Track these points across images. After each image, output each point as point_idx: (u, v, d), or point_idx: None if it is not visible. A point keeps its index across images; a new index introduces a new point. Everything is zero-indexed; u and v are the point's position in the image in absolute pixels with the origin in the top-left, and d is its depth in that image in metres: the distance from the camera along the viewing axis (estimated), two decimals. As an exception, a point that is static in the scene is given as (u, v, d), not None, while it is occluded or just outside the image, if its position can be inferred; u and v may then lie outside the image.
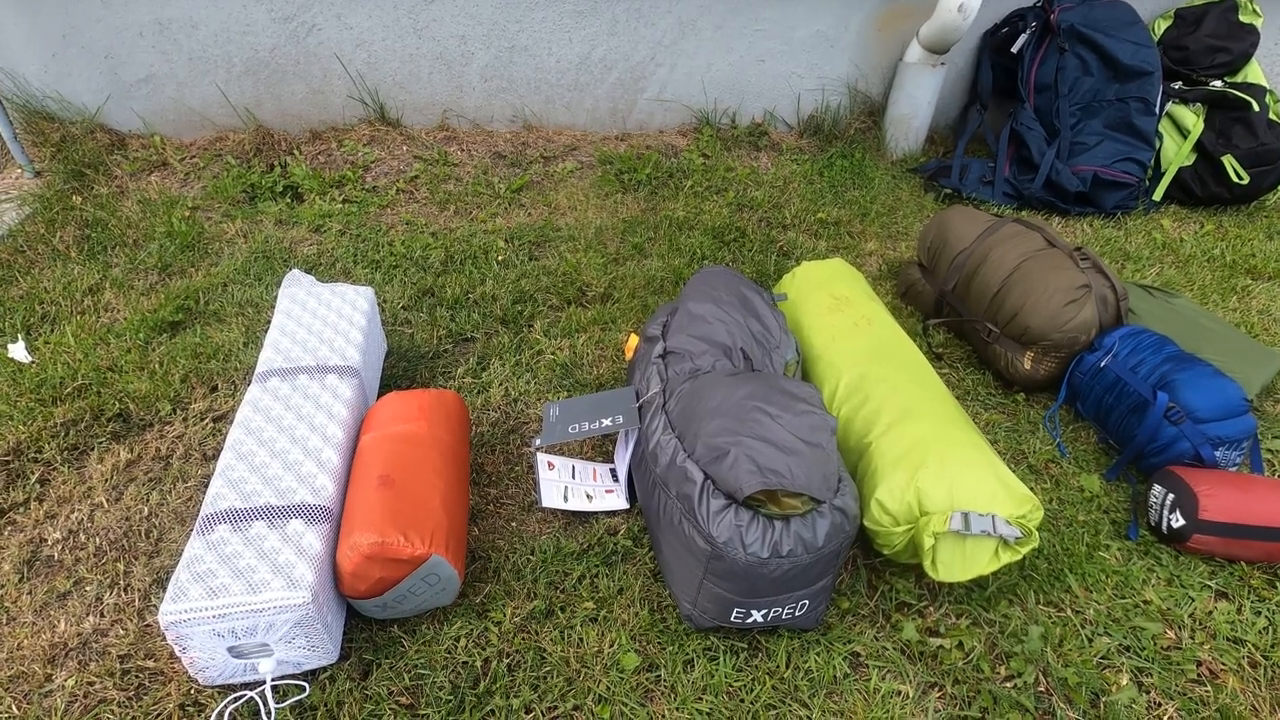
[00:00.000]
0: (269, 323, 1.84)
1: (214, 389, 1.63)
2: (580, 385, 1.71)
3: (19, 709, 1.05)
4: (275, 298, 1.93)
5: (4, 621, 1.15)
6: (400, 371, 1.72)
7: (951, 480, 1.20)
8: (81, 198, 2.34)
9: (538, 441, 1.32)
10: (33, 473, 1.40)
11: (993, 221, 1.90)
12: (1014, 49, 2.76)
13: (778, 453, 1.09)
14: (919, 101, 2.86)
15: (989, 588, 1.28)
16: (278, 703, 1.05)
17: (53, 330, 1.78)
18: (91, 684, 1.08)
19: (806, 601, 1.13)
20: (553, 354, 1.81)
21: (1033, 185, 2.62)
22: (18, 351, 1.69)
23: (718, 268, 1.58)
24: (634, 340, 1.77)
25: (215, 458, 1.46)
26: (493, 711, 1.07)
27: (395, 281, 2.03)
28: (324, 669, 1.10)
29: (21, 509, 1.34)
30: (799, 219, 2.54)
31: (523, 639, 1.16)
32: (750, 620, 1.12)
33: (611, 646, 1.15)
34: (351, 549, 1.05)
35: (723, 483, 1.08)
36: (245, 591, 0.98)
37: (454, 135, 2.79)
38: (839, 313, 1.64)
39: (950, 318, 1.91)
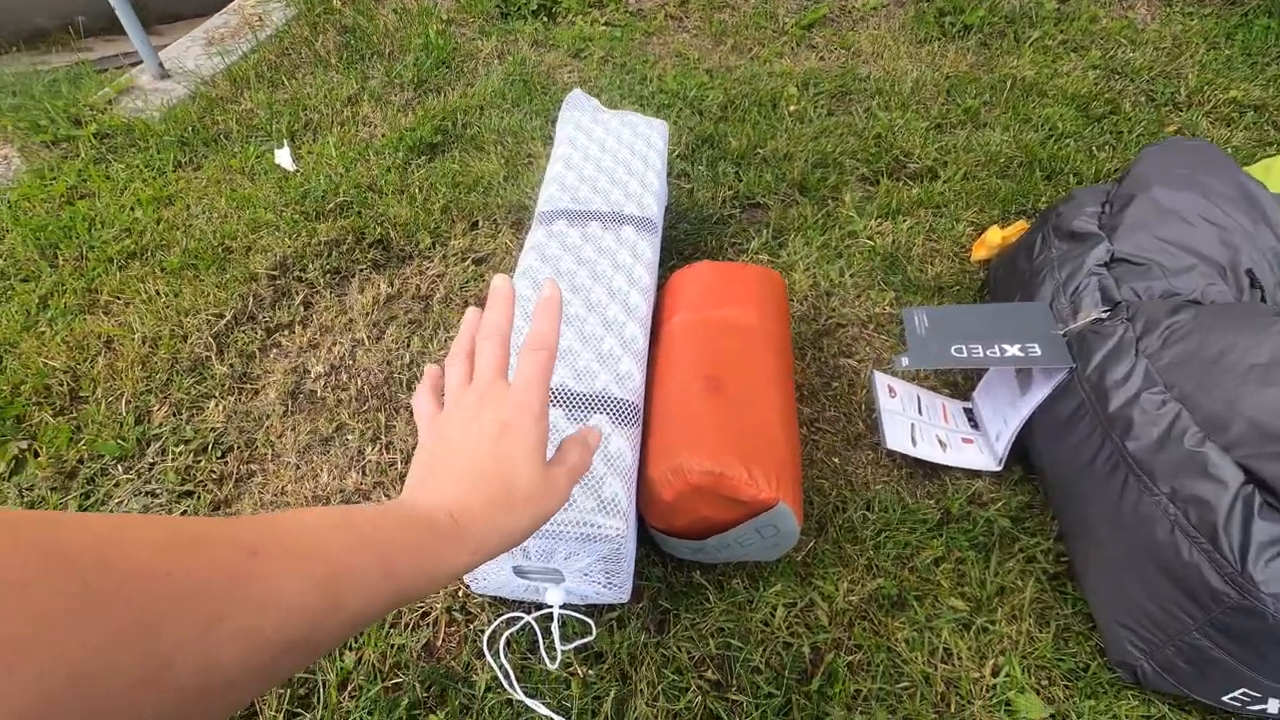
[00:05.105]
0: (529, 155, 1.58)
1: (474, 225, 1.40)
2: (914, 286, 1.29)
3: (282, 563, 0.93)
4: (535, 128, 1.65)
5: (270, 456, 1.04)
6: (681, 234, 1.39)
7: None
8: (341, 0, 2.17)
9: (904, 361, 0.93)
10: (298, 293, 1.26)
11: None
12: None
13: None
14: None
15: None
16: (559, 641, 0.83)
17: (314, 139, 1.64)
18: (353, 553, 0.93)
19: (1363, 702, 0.70)
20: (869, 239, 1.38)
21: None
22: (283, 158, 1.57)
23: (1198, 141, 1.04)
24: (993, 235, 1.30)
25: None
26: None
27: (669, 124, 1.67)
28: (611, 607, 0.86)
29: (286, 331, 1.21)
30: (1200, 96, 1.80)
31: (865, 630, 0.85)
32: (1254, 709, 0.71)
33: (996, 675, 0.81)
34: (674, 473, 0.76)
35: (1289, 497, 0.65)
36: (545, 504, 0.73)
37: (734, -49, 2.27)
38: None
39: None
